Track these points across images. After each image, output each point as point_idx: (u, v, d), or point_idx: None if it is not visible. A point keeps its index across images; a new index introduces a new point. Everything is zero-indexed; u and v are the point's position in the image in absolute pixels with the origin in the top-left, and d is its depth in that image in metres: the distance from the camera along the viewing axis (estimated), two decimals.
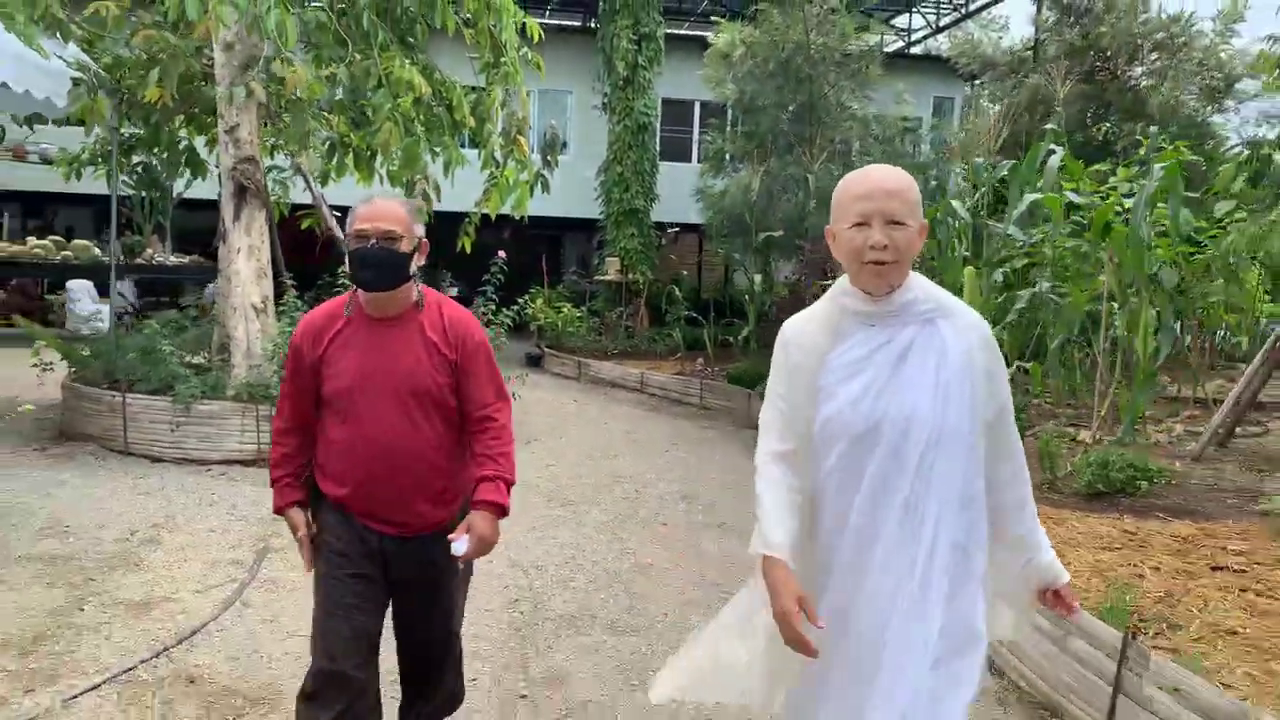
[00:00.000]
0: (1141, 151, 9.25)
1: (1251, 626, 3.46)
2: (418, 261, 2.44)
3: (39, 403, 8.35)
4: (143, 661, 3.54)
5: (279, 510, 2.51)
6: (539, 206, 11.31)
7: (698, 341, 13.64)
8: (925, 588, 1.79)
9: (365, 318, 2.43)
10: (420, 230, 2.47)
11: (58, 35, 7.40)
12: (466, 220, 9.14)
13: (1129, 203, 8.41)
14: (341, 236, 8.59)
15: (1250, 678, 3.04)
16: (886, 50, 20.11)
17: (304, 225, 9.97)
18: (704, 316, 13.60)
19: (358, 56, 7.56)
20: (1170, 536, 4.66)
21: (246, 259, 7.77)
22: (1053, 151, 6.94)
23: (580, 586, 4.67)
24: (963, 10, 16.96)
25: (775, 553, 1.87)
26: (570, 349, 14.07)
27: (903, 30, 21.00)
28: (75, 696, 3.23)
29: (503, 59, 8.70)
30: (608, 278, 15.83)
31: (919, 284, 1.92)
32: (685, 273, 16.37)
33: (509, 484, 2.43)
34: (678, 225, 16.55)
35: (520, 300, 9.56)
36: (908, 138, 15.42)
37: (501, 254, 9.26)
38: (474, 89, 9.13)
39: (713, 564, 5.08)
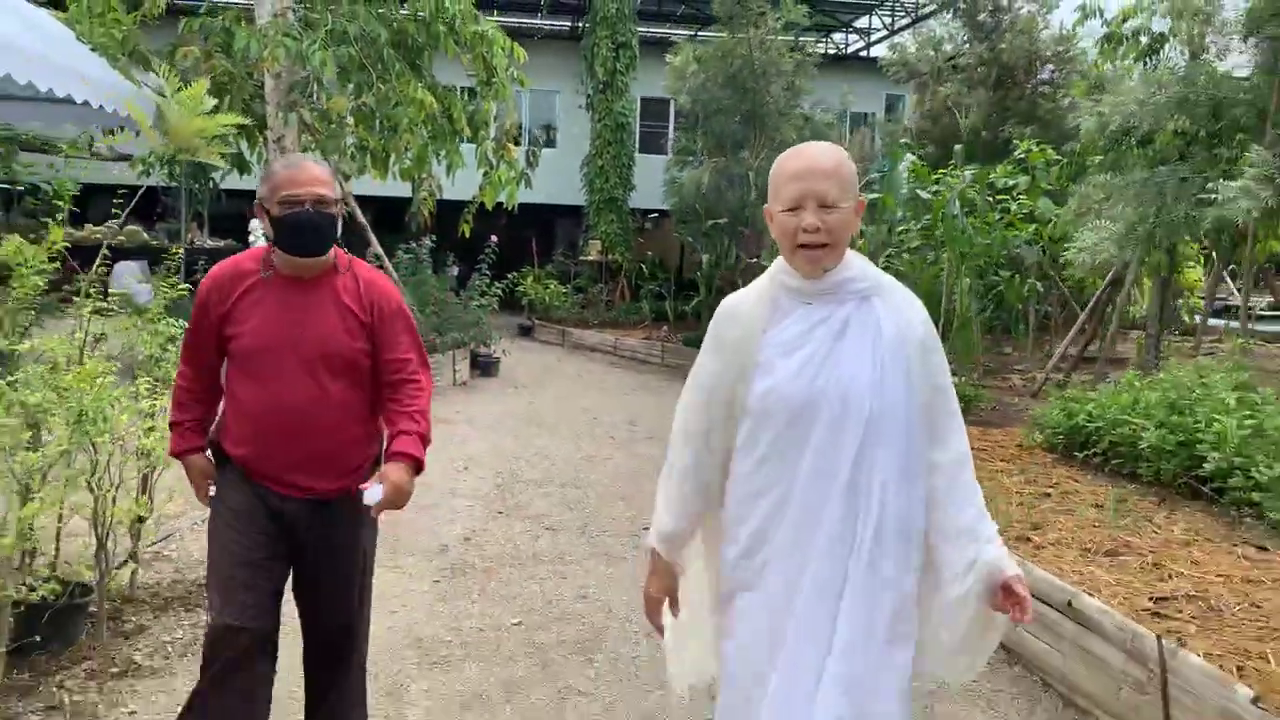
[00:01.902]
0: (1017, 153, 11.36)
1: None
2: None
3: None
4: None
5: (177, 454, 2.49)
6: (530, 195, 13.48)
7: (664, 313, 15.80)
8: (872, 570, 1.77)
9: (280, 278, 2.36)
10: (340, 193, 2.44)
11: (139, 65, 9.47)
12: (466, 209, 11.22)
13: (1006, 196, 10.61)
14: (359, 218, 10.78)
15: None
16: (851, 50, 22.17)
17: None
18: (673, 292, 15.75)
19: (380, 86, 9.61)
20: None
21: None
22: (909, 156, 9.03)
23: (545, 467, 6.79)
24: (913, 16, 18.97)
25: (659, 545, 2.00)
26: (556, 320, 16.18)
27: (864, 31, 22.95)
28: None
29: (494, 79, 10.75)
30: (590, 258, 17.96)
31: (856, 263, 1.91)
32: (650, 254, 18.39)
33: (425, 440, 2.38)
34: (656, 211, 18.63)
35: (510, 275, 11.65)
36: (862, 128, 17.57)
37: (494, 238, 11.38)
38: (471, 93, 11.18)
39: (639, 457, 7.22)
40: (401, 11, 10.26)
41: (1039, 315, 11.54)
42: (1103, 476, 5.51)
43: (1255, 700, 2.56)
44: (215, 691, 2.31)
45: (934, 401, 1.88)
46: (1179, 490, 5.07)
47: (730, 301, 1.99)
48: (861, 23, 23.11)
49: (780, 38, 12.67)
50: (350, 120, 10.15)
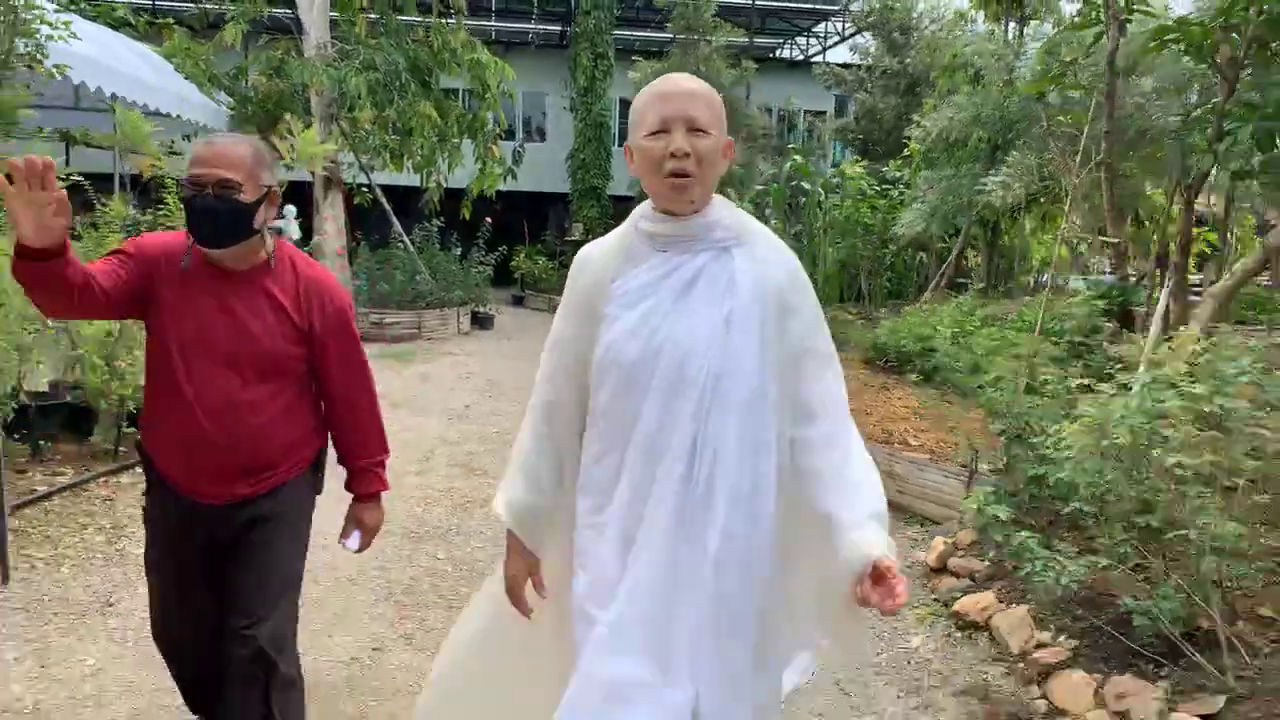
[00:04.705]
0: (906, 151, 14.19)
1: None
2: (266, 214, 2.09)
3: None
4: None
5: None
6: (523, 184, 16.43)
7: None
8: (706, 555, 1.57)
9: (206, 268, 2.08)
10: (270, 178, 2.08)
11: (216, 88, 12.35)
12: (464, 197, 14.07)
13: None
14: (383, 203, 13.70)
15: None
16: (806, 55, 24.90)
17: (355, 201, 14.92)
18: None
19: (399, 100, 12.46)
20: None
21: (332, 223, 12.75)
22: (795, 160, 11.93)
23: (521, 379, 9.67)
24: (840, 34, 21.77)
25: (506, 519, 1.82)
26: (544, 291, 19.06)
27: (821, 36, 25.69)
28: None
29: (488, 93, 13.60)
30: (574, 238, 20.81)
31: (721, 208, 1.70)
32: None
33: (384, 463, 2.32)
34: (629, 198, 21.44)
35: (501, 249, 14.57)
36: (813, 127, 20.43)
37: (489, 220, 14.28)
38: (471, 96, 14.09)
39: None
40: (413, 41, 13.08)
41: (921, 276, 14.37)
42: (881, 372, 8.41)
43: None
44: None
45: (801, 367, 1.67)
46: (918, 374, 7.98)
47: (585, 249, 1.80)
48: (820, 28, 25.86)
49: (718, 55, 15.51)
50: (375, 127, 13.00)
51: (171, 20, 12.67)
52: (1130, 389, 3.25)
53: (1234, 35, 5.44)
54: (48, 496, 4.81)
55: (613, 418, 1.67)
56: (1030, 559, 2.97)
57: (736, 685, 1.60)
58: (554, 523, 1.82)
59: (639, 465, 1.62)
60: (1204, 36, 5.20)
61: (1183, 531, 2.78)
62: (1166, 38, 5.20)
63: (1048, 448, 3.40)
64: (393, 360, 10.08)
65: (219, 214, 1.99)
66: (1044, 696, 3.04)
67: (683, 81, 1.66)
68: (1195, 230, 13.44)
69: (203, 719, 2.42)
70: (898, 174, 13.75)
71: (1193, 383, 2.98)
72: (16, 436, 5.23)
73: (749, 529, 1.59)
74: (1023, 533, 3.13)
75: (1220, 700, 2.65)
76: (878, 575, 1.50)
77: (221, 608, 2.20)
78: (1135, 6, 5.83)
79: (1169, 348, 3.43)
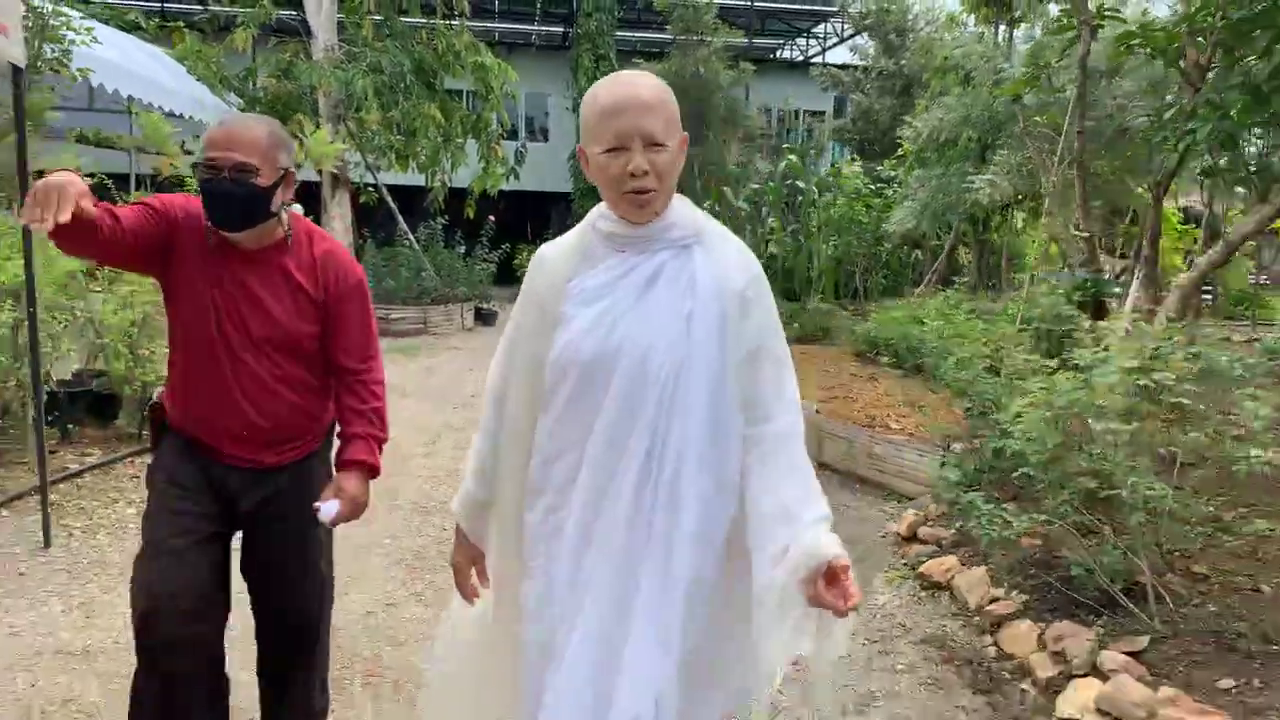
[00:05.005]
0: (900, 151, 14.50)
1: None
2: (283, 196, 2.10)
3: None
4: None
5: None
6: (526, 183, 16.71)
7: None
8: (667, 560, 1.55)
9: (228, 247, 2.10)
10: (287, 160, 2.09)
11: (226, 89, 12.69)
12: (468, 196, 14.40)
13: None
14: (389, 202, 14.05)
15: None
16: (806, 56, 25.20)
17: (362, 200, 15.25)
18: None
19: (404, 102, 12.79)
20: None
21: (339, 221, 13.08)
22: (790, 159, 12.24)
23: None
24: (839, 36, 22.08)
25: (456, 508, 1.85)
26: None
27: (820, 37, 25.99)
28: None
29: (491, 95, 13.93)
30: None
31: (680, 208, 1.68)
32: None
33: (381, 444, 2.26)
34: None
35: (505, 247, 14.91)
36: (812, 128, 20.75)
37: (492, 218, 14.62)
38: (474, 96, 14.41)
39: None
40: (418, 44, 13.41)
41: (916, 272, 14.68)
42: (870, 364, 8.72)
43: (816, 410, 5.76)
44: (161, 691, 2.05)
45: (757, 367, 1.64)
46: (908, 368, 8.29)
47: (542, 248, 1.78)
48: (820, 30, 26.17)
49: (716, 57, 15.84)
50: (381, 128, 13.33)
51: (181, 24, 13.02)
52: (1081, 369, 3.56)
53: (1200, 39, 5.75)
54: (79, 474, 5.14)
55: (571, 416, 1.63)
56: (976, 515, 3.28)
57: (690, 690, 1.57)
58: (497, 517, 1.81)
59: (599, 464, 1.59)
60: (1168, 41, 5.51)
61: (1116, 491, 3.09)
62: (1131, 43, 5.50)
63: (1006, 422, 3.70)
64: (399, 354, 10.40)
65: (235, 198, 1.99)
66: (995, 644, 3.35)
67: (638, 89, 1.57)
68: (1184, 227, 13.76)
69: None
70: (892, 173, 14.06)
71: (1132, 361, 3.29)
72: (49, 420, 5.55)
73: (711, 529, 1.58)
74: (971, 493, 3.44)
75: (1144, 640, 2.96)
76: (831, 575, 1.49)
77: (222, 585, 2.17)
78: (1106, 12, 6.14)
79: (1125, 330, 3.75)
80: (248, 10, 12.70)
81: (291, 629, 2.29)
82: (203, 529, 2.12)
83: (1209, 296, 12.21)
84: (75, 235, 1.83)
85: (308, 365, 2.21)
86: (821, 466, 5.70)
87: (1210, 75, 5.68)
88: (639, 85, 1.57)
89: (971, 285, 11.70)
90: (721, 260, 1.66)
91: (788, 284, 12.63)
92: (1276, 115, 5.24)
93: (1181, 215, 13.95)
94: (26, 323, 4.69)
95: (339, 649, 3.18)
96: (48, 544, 4.11)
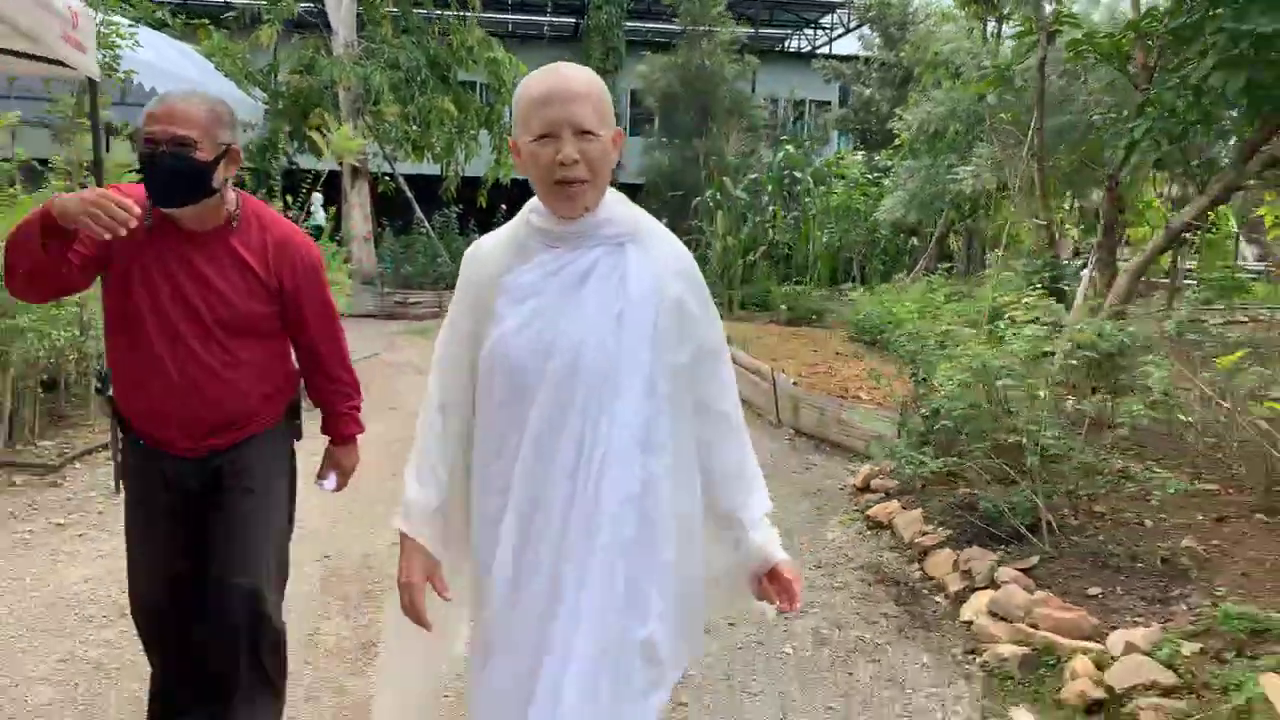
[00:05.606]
0: (897, 141, 15.02)
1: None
2: (225, 172, 2.04)
3: None
4: None
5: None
6: None
7: None
8: (596, 567, 1.52)
9: (171, 228, 2.05)
10: (229, 136, 2.03)
11: (251, 84, 13.35)
12: (481, 185, 15.04)
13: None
14: (406, 191, 14.72)
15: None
16: (814, 47, 25.67)
17: (380, 189, 15.92)
18: None
19: (420, 96, 13.43)
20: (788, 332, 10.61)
21: (359, 210, 13.76)
22: (787, 150, 12.81)
23: None
24: (845, 27, 22.55)
25: (408, 527, 1.70)
26: None
27: (827, 28, 26.45)
28: None
29: (503, 88, 14.55)
30: None
31: (614, 204, 1.65)
32: None
33: (359, 406, 2.39)
34: (638, 186, 22.36)
35: None
36: (816, 118, 21.26)
37: (504, 206, 15.25)
38: (487, 89, 15.05)
39: None
40: (432, 40, 14.04)
41: (911, 258, 15.22)
42: (856, 344, 9.32)
43: (794, 383, 6.39)
44: None
45: (699, 365, 1.66)
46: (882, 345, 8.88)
47: (478, 240, 1.74)
48: (827, 20, 26.62)
49: (722, 49, 16.41)
50: (398, 120, 13.98)
51: (206, 20, 13.66)
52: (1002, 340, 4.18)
53: (1148, 44, 6.31)
54: None
55: (504, 416, 1.60)
56: (898, 456, 3.90)
57: (617, 693, 1.51)
58: (451, 520, 1.73)
59: (531, 465, 1.56)
60: (1113, 47, 6.07)
61: (1017, 438, 3.71)
62: (1080, 49, 6.07)
63: (939, 386, 4.32)
64: (417, 335, 11.05)
65: (174, 173, 1.94)
66: (921, 570, 3.99)
67: (569, 79, 1.55)
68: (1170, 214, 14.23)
69: None
70: (888, 163, 14.60)
71: (1040, 331, 3.91)
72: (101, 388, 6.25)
73: (638, 531, 1.54)
74: (898, 441, 4.06)
75: (1034, 559, 3.58)
76: (774, 575, 1.62)
77: (203, 577, 2.15)
78: (1065, 18, 6.70)
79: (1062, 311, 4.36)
80: (275, 8, 13.35)
81: (233, 604, 2.13)
82: (170, 525, 2.18)
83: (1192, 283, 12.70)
84: (46, 271, 1.96)
85: (252, 343, 2.14)
86: (797, 432, 6.33)
87: (1155, 77, 6.25)
88: (570, 75, 1.56)
89: (961, 270, 12.26)
90: (657, 257, 1.64)
91: (787, 269, 13.22)
92: (1211, 114, 5.82)
93: (1171, 205, 14.44)
94: (88, 303, 5.38)
95: (342, 581, 3.80)
96: (118, 490, 4.78)
